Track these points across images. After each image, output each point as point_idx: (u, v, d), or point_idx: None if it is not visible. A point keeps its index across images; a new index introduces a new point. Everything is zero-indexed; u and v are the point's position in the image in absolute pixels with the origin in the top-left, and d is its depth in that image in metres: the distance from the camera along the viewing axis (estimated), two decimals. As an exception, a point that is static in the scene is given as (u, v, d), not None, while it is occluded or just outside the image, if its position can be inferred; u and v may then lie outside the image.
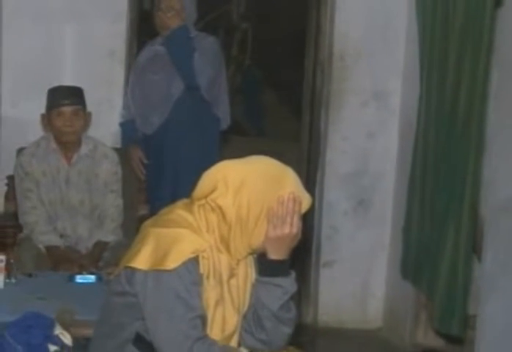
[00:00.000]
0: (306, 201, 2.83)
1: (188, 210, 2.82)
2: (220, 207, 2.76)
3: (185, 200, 2.88)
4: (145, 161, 5.04)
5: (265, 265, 2.82)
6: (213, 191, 2.78)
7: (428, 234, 4.78)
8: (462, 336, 4.53)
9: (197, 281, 2.72)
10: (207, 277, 2.75)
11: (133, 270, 2.74)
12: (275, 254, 2.81)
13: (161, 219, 2.85)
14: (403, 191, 5.14)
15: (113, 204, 4.71)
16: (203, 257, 2.74)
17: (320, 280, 5.53)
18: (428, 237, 4.76)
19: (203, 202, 2.80)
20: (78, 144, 4.68)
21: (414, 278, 4.99)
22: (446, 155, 4.65)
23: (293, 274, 2.86)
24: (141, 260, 2.72)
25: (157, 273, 2.69)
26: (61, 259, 4.44)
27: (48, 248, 4.54)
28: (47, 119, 4.65)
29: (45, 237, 4.58)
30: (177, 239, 2.73)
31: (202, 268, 2.74)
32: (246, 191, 2.76)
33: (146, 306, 2.72)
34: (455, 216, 4.51)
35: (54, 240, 4.58)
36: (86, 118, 4.71)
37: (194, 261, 2.72)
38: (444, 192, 4.62)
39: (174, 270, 2.68)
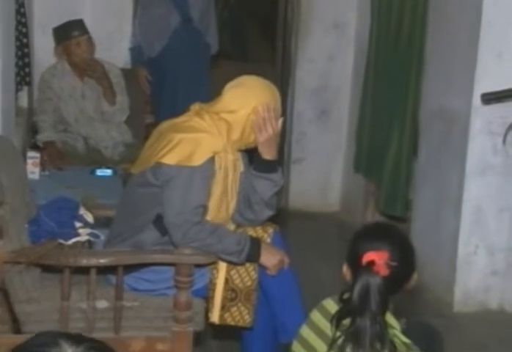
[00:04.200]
0: (279, 107, 2.92)
1: (202, 118, 2.84)
2: (228, 123, 2.81)
3: (196, 108, 2.88)
4: (150, 79, 5.03)
5: (260, 164, 2.88)
6: (227, 112, 2.82)
7: (377, 136, 4.82)
8: (404, 216, 4.61)
9: (210, 176, 2.76)
10: (219, 172, 2.79)
11: (161, 165, 2.75)
12: (268, 155, 2.87)
13: (181, 126, 2.85)
14: (357, 103, 5.17)
15: (121, 103, 4.69)
16: (218, 156, 2.78)
17: (290, 173, 5.58)
18: (377, 138, 4.80)
19: (213, 114, 2.83)
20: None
21: (365, 171, 5.04)
22: (392, 73, 4.66)
23: (280, 170, 2.93)
24: (170, 158, 2.73)
25: (181, 167, 2.72)
26: (54, 156, 4.41)
27: (45, 144, 4.51)
28: (62, 50, 4.59)
29: (43, 135, 4.57)
30: (200, 142, 2.75)
31: (217, 164, 2.78)
32: (245, 111, 2.81)
33: (165, 191, 2.75)
34: (399, 122, 4.55)
35: (50, 136, 4.56)
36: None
37: (212, 160, 2.76)
38: (391, 102, 4.65)
39: (198, 166, 2.71)
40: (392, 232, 2.24)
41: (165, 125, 2.93)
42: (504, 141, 3.88)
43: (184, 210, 2.72)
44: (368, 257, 2.09)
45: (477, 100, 3.83)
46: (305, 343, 2.21)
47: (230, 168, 2.83)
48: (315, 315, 2.23)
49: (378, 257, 2.08)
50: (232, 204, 2.88)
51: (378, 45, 4.86)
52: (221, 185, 2.81)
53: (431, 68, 4.36)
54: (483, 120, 3.89)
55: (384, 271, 2.08)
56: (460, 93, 4.00)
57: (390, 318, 2.15)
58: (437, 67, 4.29)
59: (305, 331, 2.23)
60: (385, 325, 2.08)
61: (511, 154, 3.92)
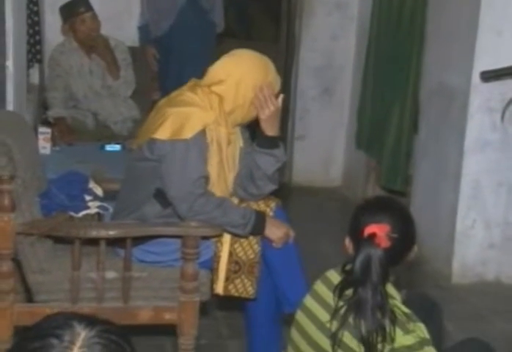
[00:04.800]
0: (279, 82, 2.88)
1: (194, 92, 2.82)
2: (219, 95, 2.78)
3: (190, 84, 2.88)
4: (157, 57, 5.00)
5: (263, 140, 2.87)
6: (217, 84, 2.79)
7: (378, 113, 4.79)
8: (404, 191, 4.60)
9: (205, 148, 2.74)
10: (212, 144, 2.77)
11: (155, 140, 2.73)
12: (270, 131, 2.85)
13: (174, 100, 2.84)
14: (359, 81, 5.14)
15: (126, 78, 4.67)
16: (209, 129, 2.76)
17: (294, 150, 5.56)
18: (378, 115, 4.78)
19: (205, 88, 2.81)
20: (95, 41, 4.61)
21: (367, 147, 5.03)
22: (393, 51, 4.63)
23: (283, 146, 2.92)
24: (162, 132, 2.72)
25: (174, 141, 2.70)
26: (65, 131, 4.40)
27: (55, 120, 4.49)
28: (69, 27, 4.57)
29: (54, 111, 4.54)
30: (189, 115, 2.73)
31: (209, 138, 2.76)
32: (243, 85, 2.78)
33: (163, 166, 2.74)
34: (400, 99, 4.52)
35: (61, 112, 4.53)
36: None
37: (203, 132, 2.74)
38: (392, 80, 4.62)
39: (188, 139, 2.69)
40: (393, 205, 2.23)
41: (162, 100, 2.92)
42: (502, 117, 3.86)
43: (185, 183, 2.71)
44: (370, 229, 2.08)
45: (476, 77, 3.81)
46: (308, 313, 2.21)
47: (224, 141, 2.80)
48: (319, 286, 2.22)
49: (379, 230, 2.08)
50: (230, 177, 2.86)
51: (379, 24, 4.83)
52: (217, 158, 2.79)
53: (432, 46, 4.33)
54: (482, 97, 3.87)
55: (384, 243, 2.07)
56: (460, 71, 3.97)
57: (391, 289, 2.14)
58: (438, 45, 4.26)
59: (309, 301, 2.23)
60: (386, 296, 2.07)
61: (509, 130, 3.90)
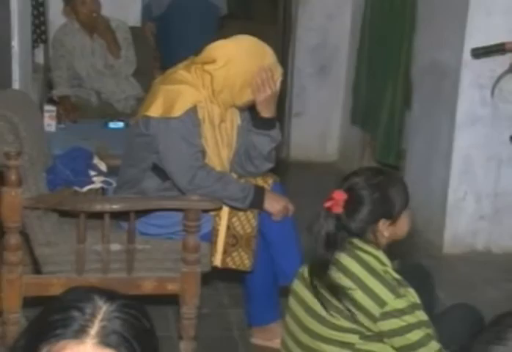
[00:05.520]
0: (279, 70, 2.87)
1: (188, 71, 2.82)
2: (211, 74, 2.77)
3: (185, 62, 2.87)
4: (154, 32, 4.95)
5: (259, 122, 2.87)
6: (210, 63, 2.78)
7: (372, 90, 4.79)
8: (397, 165, 4.61)
9: (197, 125, 2.74)
10: (204, 121, 2.78)
11: (148, 117, 2.75)
12: (266, 113, 2.85)
13: (168, 78, 2.84)
14: (354, 59, 5.13)
15: (127, 57, 4.66)
16: (200, 107, 2.76)
17: (291, 126, 5.55)
18: (373, 92, 4.78)
19: (199, 66, 2.81)
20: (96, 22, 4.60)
21: (362, 123, 5.03)
22: (386, 30, 4.62)
23: (278, 126, 2.92)
24: (154, 110, 2.73)
25: (166, 119, 2.71)
26: (69, 109, 4.38)
27: (60, 98, 4.47)
28: (70, 9, 4.54)
29: (59, 90, 4.53)
30: (180, 93, 2.74)
31: (200, 115, 2.76)
32: (233, 66, 2.77)
33: (159, 144, 2.75)
34: (393, 76, 4.52)
35: (65, 91, 4.52)
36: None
37: (194, 109, 2.74)
38: (385, 58, 4.61)
39: (179, 117, 2.70)
40: (370, 174, 2.21)
41: (158, 78, 2.95)
42: (492, 93, 3.86)
43: (183, 157, 2.72)
44: (331, 195, 2.16)
45: (467, 55, 3.80)
46: (305, 281, 2.23)
47: (216, 118, 2.80)
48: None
49: (337, 196, 2.15)
50: (225, 154, 2.87)
51: (373, 3, 4.82)
52: (210, 135, 2.79)
53: (424, 25, 4.32)
54: (472, 74, 3.87)
55: (336, 208, 2.15)
56: (451, 48, 3.97)
57: (382, 256, 2.17)
58: (430, 24, 4.24)
59: (305, 271, 2.24)
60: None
61: (499, 106, 3.91)
